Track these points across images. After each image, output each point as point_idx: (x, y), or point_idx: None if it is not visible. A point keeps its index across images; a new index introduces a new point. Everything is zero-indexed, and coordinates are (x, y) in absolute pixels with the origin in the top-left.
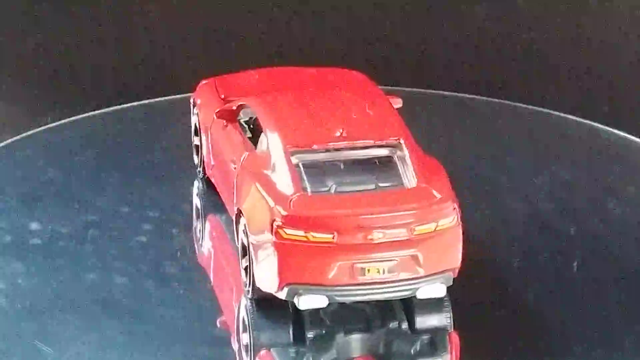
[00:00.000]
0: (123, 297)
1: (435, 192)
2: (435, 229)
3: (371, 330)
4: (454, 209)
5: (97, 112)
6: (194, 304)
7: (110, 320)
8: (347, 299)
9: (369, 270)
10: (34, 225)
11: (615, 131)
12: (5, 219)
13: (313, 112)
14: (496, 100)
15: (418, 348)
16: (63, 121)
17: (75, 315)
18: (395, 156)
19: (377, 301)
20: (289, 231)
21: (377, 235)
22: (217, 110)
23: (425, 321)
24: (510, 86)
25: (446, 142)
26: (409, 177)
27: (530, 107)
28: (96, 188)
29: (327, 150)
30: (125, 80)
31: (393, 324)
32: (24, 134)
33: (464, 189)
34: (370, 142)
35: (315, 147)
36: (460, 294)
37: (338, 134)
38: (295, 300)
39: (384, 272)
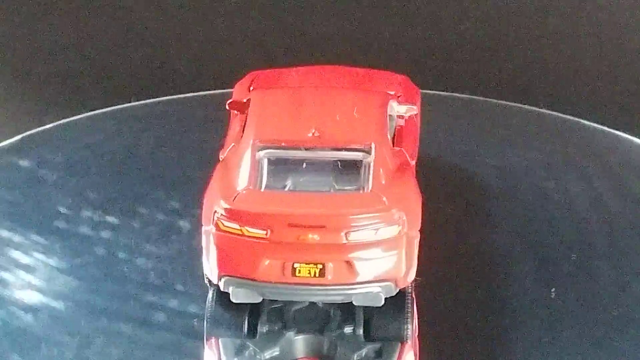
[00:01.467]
0: None
1: (384, 200)
2: (373, 238)
3: (324, 333)
4: (399, 218)
5: (96, 112)
6: None
7: None
8: (278, 297)
9: (299, 270)
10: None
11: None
12: None
13: (299, 111)
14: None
15: (363, 354)
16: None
17: None
18: (362, 161)
19: (339, 304)
20: (226, 223)
21: (310, 237)
22: (230, 101)
23: (381, 329)
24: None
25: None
26: (369, 183)
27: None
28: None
29: (297, 149)
30: (126, 80)
31: (348, 329)
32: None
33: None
34: (340, 145)
35: (283, 144)
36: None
37: (310, 134)
38: (230, 292)
39: (315, 275)
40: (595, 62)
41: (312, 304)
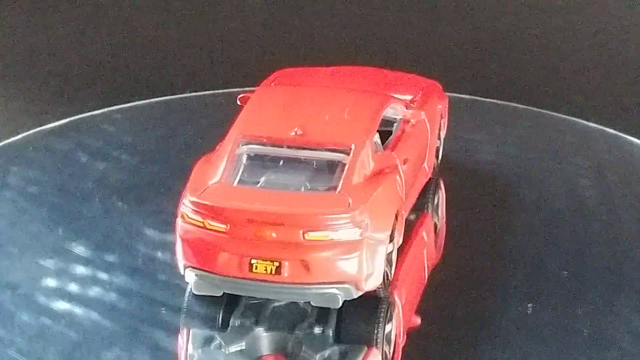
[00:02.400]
0: None
1: (349, 202)
2: (331, 238)
3: (294, 331)
4: (361, 221)
5: (98, 111)
6: None
7: None
8: (236, 292)
9: (256, 266)
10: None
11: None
12: None
13: (290, 109)
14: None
15: (326, 355)
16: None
17: None
18: (338, 161)
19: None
20: (191, 215)
21: (267, 233)
22: (241, 95)
23: (351, 332)
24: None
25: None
26: (340, 184)
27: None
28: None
29: (279, 146)
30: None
31: (318, 329)
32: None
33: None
34: (320, 145)
35: (265, 141)
36: None
37: (293, 132)
38: (191, 283)
39: (271, 272)
40: (595, 62)
41: (293, 302)
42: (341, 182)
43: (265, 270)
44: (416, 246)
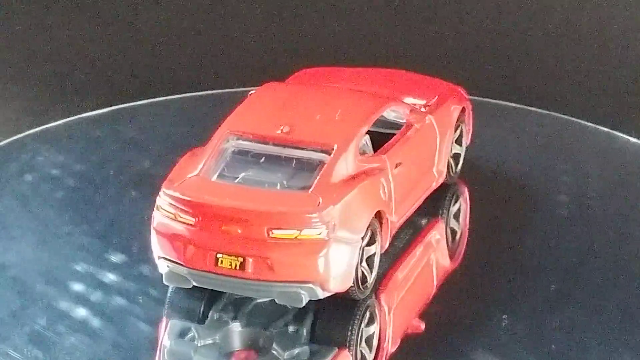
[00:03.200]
0: None
1: (319, 202)
2: (296, 237)
3: (269, 328)
4: (327, 222)
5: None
6: None
7: None
8: (203, 285)
9: (222, 261)
10: None
11: None
12: None
13: (284, 107)
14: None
15: (295, 353)
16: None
17: None
18: (317, 161)
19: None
20: (164, 207)
21: (233, 229)
22: (251, 92)
23: (324, 333)
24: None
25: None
26: (314, 184)
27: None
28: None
29: (264, 143)
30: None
31: (293, 327)
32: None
33: None
34: (303, 144)
35: (251, 137)
36: None
37: (279, 131)
38: (163, 274)
39: (236, 267)
40: (595, 62)
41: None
42: (316, 181)
43: (230, 265)
44: (422, 251)
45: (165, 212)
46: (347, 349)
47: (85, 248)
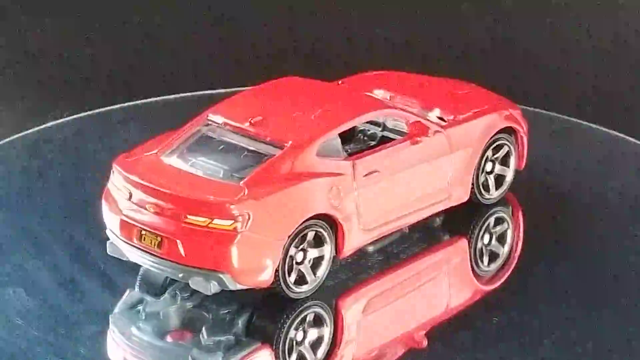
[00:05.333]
0: None
1: (241, 195)
2: (207, 225)
3: (211, 313)
4: (238, 215)
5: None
6: None
7: None
8: (132, 259)
9: (144, 237)
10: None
11: None
12: None
13: (274, 101)
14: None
15: (217, 340)
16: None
17: None
18: (264, 155)
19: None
20: (112, 180)
21: (155, 208)
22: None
23: (258, 325)
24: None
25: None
26: (248, 176)
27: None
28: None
29: (233, 132)
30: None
31: (231, 316)
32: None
33: None
34: (262, 137)
35: (222, 124)
36: None
37: (247, 123)
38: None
39: (155, 245)
40: (595, 62)
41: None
42: (252, 174)
43: (151, 243)
44: (427, 268)
45: (111, 185)
46: (271, 345)
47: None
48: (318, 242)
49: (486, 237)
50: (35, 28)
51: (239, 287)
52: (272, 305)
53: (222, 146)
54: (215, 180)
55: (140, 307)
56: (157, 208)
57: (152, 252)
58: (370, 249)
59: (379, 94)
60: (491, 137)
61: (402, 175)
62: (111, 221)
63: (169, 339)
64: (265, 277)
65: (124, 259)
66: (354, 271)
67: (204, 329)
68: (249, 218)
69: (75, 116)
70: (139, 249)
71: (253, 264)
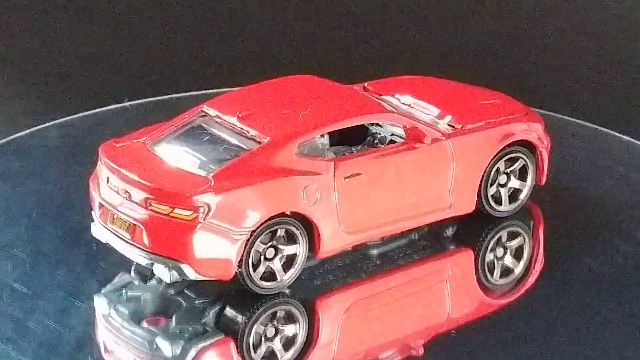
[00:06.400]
0: None
1: (206, 187)
2: (169, 214)
3: (188, 301)
4: (197, 206)
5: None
6: None
7: None
8: (110, 241)
9: (116, 221)
10: None
11: None
12: None
13: (272, 97)
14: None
15: (183, 328)
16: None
17: None
18: (240, 149)
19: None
20: (98, 163)
21: (125, 194)
22: None
23: (226, 316)
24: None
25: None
26: (219, 168)
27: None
28: None
29: (221, 125)
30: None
31: (204, 306)
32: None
33: None
34: (245, 133)
35: (213, 116)
36: None
37: (235, 118)
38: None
39: (125, 230)
40: (595, 63)
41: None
42: (223, 167)
43: (122, 227)
44: (424, 276)
45: (97, 168)
46: (235, 338)
47: None
48: (292, 240)
49: (498, 250)
50: (31, 28)
51: (199, 277)
52: (247, 299)
53: (207, 137)
54: (187, 170)
55: (124, 288)
56: (127, 194)
57: (123, 237)
58: (374, 252)
59: (400, 98)
60: (501, 149)
61: (390, 180)
62: (93, 203)
63: (144, 323)
64: (225, 270)
65: (104, 242)
66: (345, 273)
67: (174, 316)
68: (209, 210)
69: (74, 116)
70: (112, 232)
71: (212, 256)
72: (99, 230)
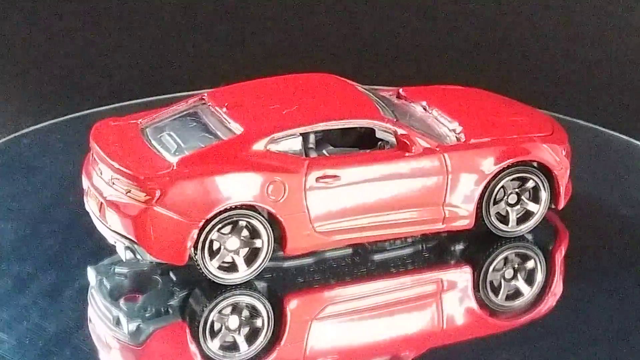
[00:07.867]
0: None
1: (166, 171)
2: (126, 194)
3: (162, 285)
4: (151, 190)
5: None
6: None
7: None
8: (93, 218)
9: (90, 197)
10: None
11: None
12: None
13: (272, 91)
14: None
15: (147, 307)
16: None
17: None
18: (215, 139)
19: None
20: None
21: (97, 172)
22: None
23: (187, 303)
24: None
25: None
26: (187, 155)
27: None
28: None
29: (212, 114)
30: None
31: (173, 289)
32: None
33: None
34: (226, 123)
35: (207, 105)
36: None
37: (224, 108)
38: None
39: (97, 207)
40: (595, 63)
41: None
42: (190, 154)
43: (95, 202)
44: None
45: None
46: (191, 324)
47: None
48: (254, 233)
49: (505, 270)
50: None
51: (151, 259)
52: (219, 288)
53: (195, 125)
54: (160, 154)
55: (113, 266)
56: (100, 171)
57: (96, 213)
58: (376, 258)
59: (427, 107)
60: (505, 168)
61: (372, 186)
62: (84, 182)
63: (121, 300)
64: (178, 255)
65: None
66: (332, 274)
67: (143, 296)
68: (161, 194)
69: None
70: (88, 207)
71: (164, 240)
72: (86, 205)
